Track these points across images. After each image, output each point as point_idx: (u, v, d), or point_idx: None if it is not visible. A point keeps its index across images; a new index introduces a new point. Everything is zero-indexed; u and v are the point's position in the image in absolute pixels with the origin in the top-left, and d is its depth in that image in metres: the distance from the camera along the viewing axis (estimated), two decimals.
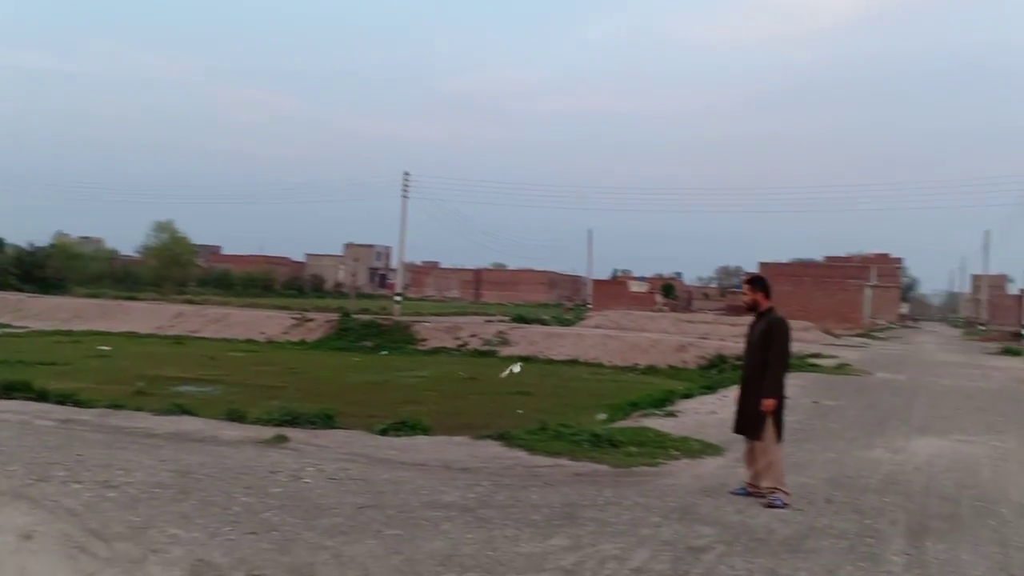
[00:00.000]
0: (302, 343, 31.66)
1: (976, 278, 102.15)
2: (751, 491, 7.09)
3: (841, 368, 23.17)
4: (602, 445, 8.83)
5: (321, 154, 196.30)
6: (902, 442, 10.83)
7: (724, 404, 13.98)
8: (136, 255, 75.57)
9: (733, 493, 7.14)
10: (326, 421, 9.53)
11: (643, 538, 5.58)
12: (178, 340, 31.25)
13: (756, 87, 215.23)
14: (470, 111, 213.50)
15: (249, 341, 31.71)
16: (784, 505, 6.74)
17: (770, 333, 7.10)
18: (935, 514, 6.99)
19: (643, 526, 5.90)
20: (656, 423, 11.14)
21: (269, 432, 8.80)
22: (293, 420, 9.37)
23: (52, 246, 67.69)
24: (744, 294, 7.50)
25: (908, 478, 8.49)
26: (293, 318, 35.19)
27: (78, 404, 10.50)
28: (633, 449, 8.91)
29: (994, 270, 79.62)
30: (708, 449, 9.41)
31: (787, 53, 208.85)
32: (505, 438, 9.09)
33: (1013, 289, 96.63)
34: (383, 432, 9.31)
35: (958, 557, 5.68)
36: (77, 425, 9.07)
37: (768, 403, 6.98)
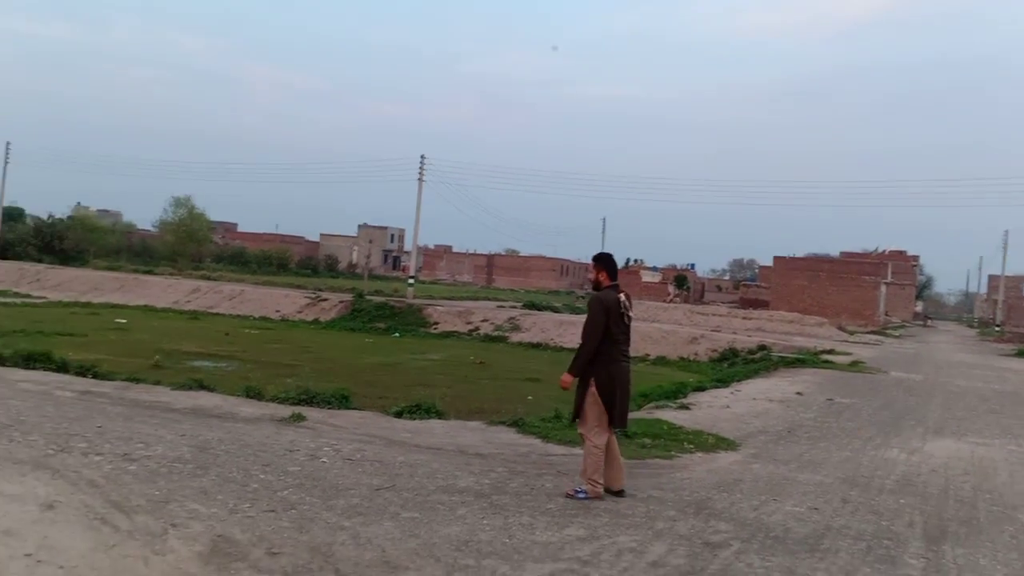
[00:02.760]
0: (316, 322, 31.77)
1: (992, 278, 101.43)
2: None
3: (855, 365, 23.04)
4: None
5: (340, 135, 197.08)
6: (918, 443, 10.77)
7: (738, 399, 13.96)
8: (153, 230, 75.96)
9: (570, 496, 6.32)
10: (342, 401, 9.58)
11: (659, 532, 5.57)
12: (194, 315, 31.43)
13: (778, 78, 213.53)
14: (489, 96, 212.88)
15: (263, 318, 31.87)
16: (587, 497, 6.21)
17: (588, 309, 6.60)
18: (952, 517, 6.94)
19: (659, 519, 5.89)
20: (670, 415, 11.11)
21: (286, 410, 8.85)
22: (310, 399, 9.42)
23: (71, 218, 68.18)
24: (590, 272, 7.15)
25: (925, 480, 8.44)
26: (307, 297, 35.32)
27: (97, 376, 10.57)
28: (647, 441, 8.90)
29: (1011, 271, 78.77)
30: (722, 444, 9.38)
31: (811, 45, 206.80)
32: (519, 425, 9.10)
33: None
34: (398, 414, 9.34)
35: (976, 562, 5.65)
36: (97, 397, 9.15)
37: (564, 378, 6.47)
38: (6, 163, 54.96)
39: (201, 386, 10.11)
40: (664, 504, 6.36)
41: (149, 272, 46.60)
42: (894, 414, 13.55)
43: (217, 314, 32.41)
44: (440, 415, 9.56)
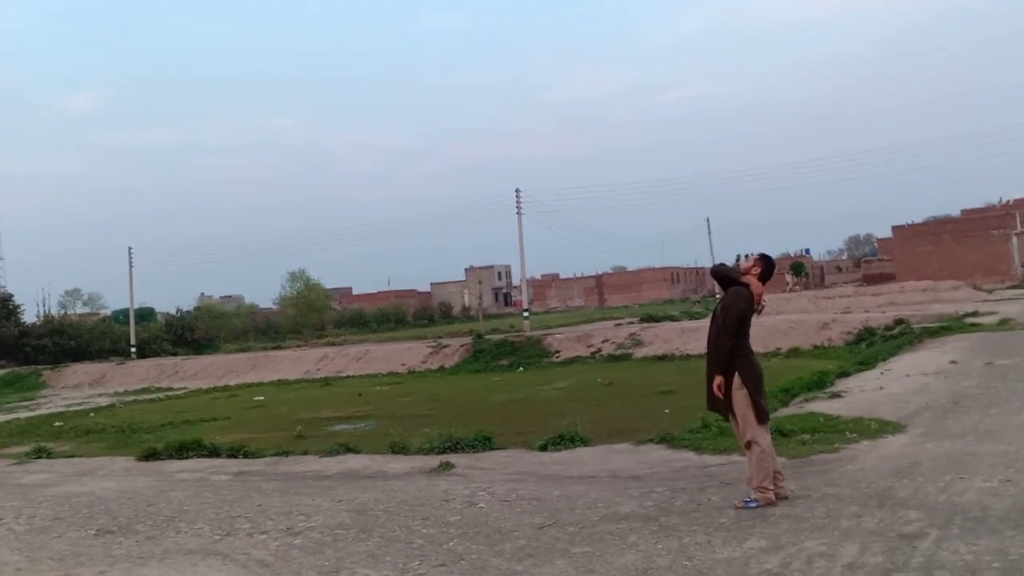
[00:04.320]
0: (441, 369, 32.16)
1: None
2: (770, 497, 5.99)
3: (1005, 323, 21.61)
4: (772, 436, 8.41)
5: (434, 185, 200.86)
6: None
7: (890, 378, 13.21)
8: (275, 306, 79.29)
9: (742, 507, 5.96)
10: (485, 443, 9.54)
11: (846, 531, 5.21)
12: (326, 381, 32.33)
13: (860, 48, 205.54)
14: (572, 119, 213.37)
15: (391, 374, 32.49)
16: (759, 506, 5.87)
17: (725, 302, 6.25)
18: None
19: (842, 517, 5.52)
20: (823, 407, 10.57)
21: (434, 460, 8.87)
22: (454, 446, 9.42)
23: (197, 309, 71.89)
24: (750, 263, 6.48)
25: None
26: (429, 346, 35.83)
27: (247, 456, 10.89)
28: (806, 437, 8.45)
29: None
30: (887, 427, 8.82)
31: (877, 15, 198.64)
32: (668, 440, 8.82)
33: None
34: (543, 448, 9.21)
35: None
36: (251, 475, 9.42)
37: (718, 381, 6.11)
38: (131, 267, 58.42)
39: (347, 449, 10.28)
40: (843, 500, 5.97)
41: (277, 347, 48.42)
42: None
43: (347, 376, 33.26)
44: (585, 442, 9.37)
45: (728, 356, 6.08)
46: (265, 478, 9.23)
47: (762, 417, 6.10)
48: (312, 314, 67.30)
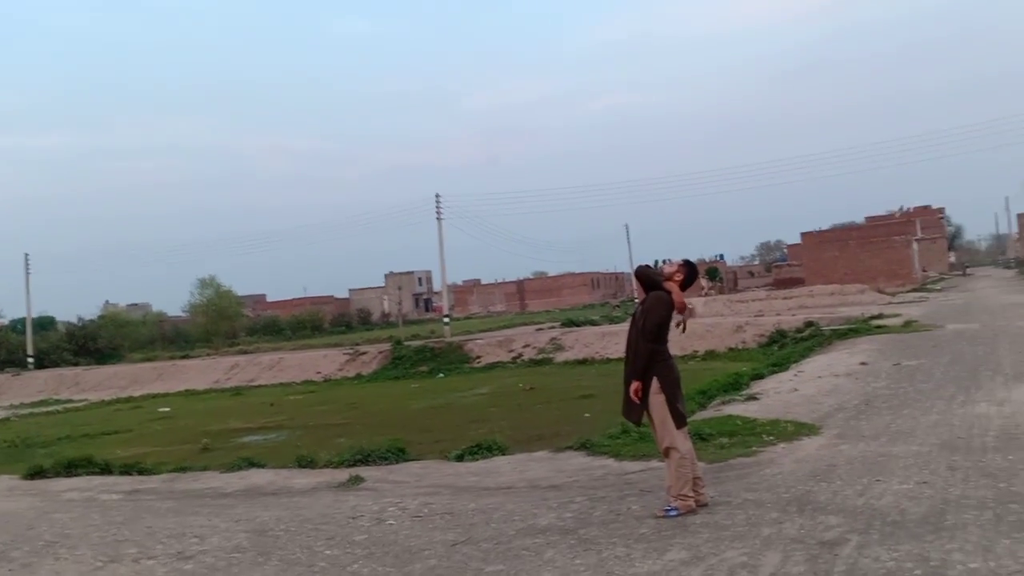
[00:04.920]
0: (359, 377, 31.45)
1: (1021, 217, 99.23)
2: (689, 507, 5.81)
3: (909, 325, 22.28)
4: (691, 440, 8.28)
5: (352, 190, 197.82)
6: (1003, 393, 10.14)
7: (803, 380, 13.35)
8: (184, 314, 76.51)
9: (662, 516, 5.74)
10: (399, 454, 9.13)
11: (767, 539, 5.05)
12: (236, 391, 31.24)
13: (772, 63, 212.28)
14: (493, 127, 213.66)
15: (307, 382, 31.63)
16: (679, 514, 5.67)
17: (646, 306, 6.03)
18: None
19: (763, 524, 5.37)
20: (739, 409, 10.55)
21: (343, 474, 8.41)
22: (365, 458, 8.98)
23: (101, 317, 68.75)
24: (673, 268, 6.23)
25: None
26: (346, 353, 35.03)
27: (143, 472, 10.20)
28: (725, 440, 8.36)
29: None
30: (803, 429, 8.81)
31: (791, 28, 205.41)
32: (587, 447, 8.60)
33: None
34: (459, 458, 8.88)
35: None
36: (144, 495, 8.78)
37: (635, 387, 5.87)
38: (28, 274, 55.60)
39: (251, 464, 9.72)
40: (763, 506, 5.83)
41: (185, 356, 46.70)
42: (967, 367, 12.89)
43: (259, 386, 32.21)
44: (503, 451, 9.07)
45: (647, 361, 5.89)
46: (160, 497, 8.62)
47: (680, 422, 5.92)
48: (223, 322, 65.14)
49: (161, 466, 11.26)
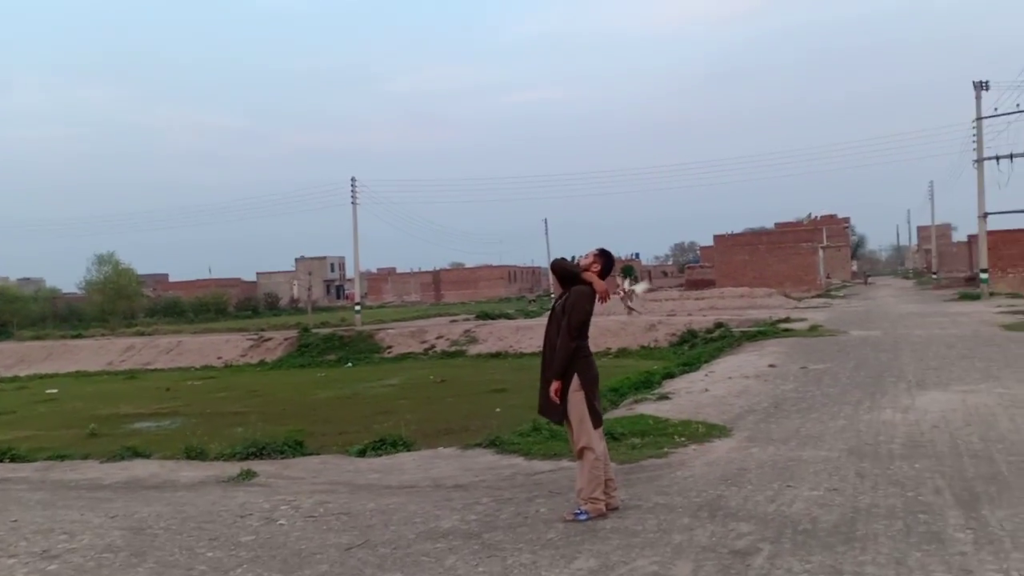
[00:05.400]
0: (262, 364, 30.51)
1: (922, 229, 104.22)
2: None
3: (815, 330, 22.82)
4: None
5: (268, 169, 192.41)
6: (907, 399, 10.30)
7: (714, 380, 13.39)
8: (80, 292, 72.92)
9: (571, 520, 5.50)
10: (296, 448, 8.61)
11: (679, 547, 4.84)
12: (131, 374, 29.93)
13: (688, 70, 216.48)
14: (415, 113, 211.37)
15: (206, 367, 30.48)
16: (589, 518, 5.45)
17: (568, 301, 5.67)
18: (975, 476, 6.39)
19: (674, 531, 5.16)
20: (651, 409, 10.43)
21: (234, 468, 7.85)
22: (260, 451, 8.44)
23: None
24: (586, 261, 5.88)
25: (930, 438, 7.91)
26: (250, 339, 33.93)
27: (15, 459, 9.41)
28: (636, 441, 8.18)
29: (938, 220, 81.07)
30: (714, 431, 8.72)
31: (714, 34, 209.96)
32: (497, 444, 8.28)
33: (957, 237, 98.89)
34: (361, 453, 8.44)
35: None
36: (13, 484, 8.05)
37: (555, 386, 5.57)
38: None
39: (135, 454, 9.03)
40: (674, 511, 5.64)
41: (78, 336, 44.45)
42: (871, 373, 13.14)
43: (156, 370, 30.91)
44: (408, 446, 8.67)
45: (569, 359, 5.60)
46: (31, 487, 7.92)
47: (597, 422, 5.66)
48: (120, 301, 62.35)
49: (38, 452, 10.47)
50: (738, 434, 8.61)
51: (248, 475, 7.41)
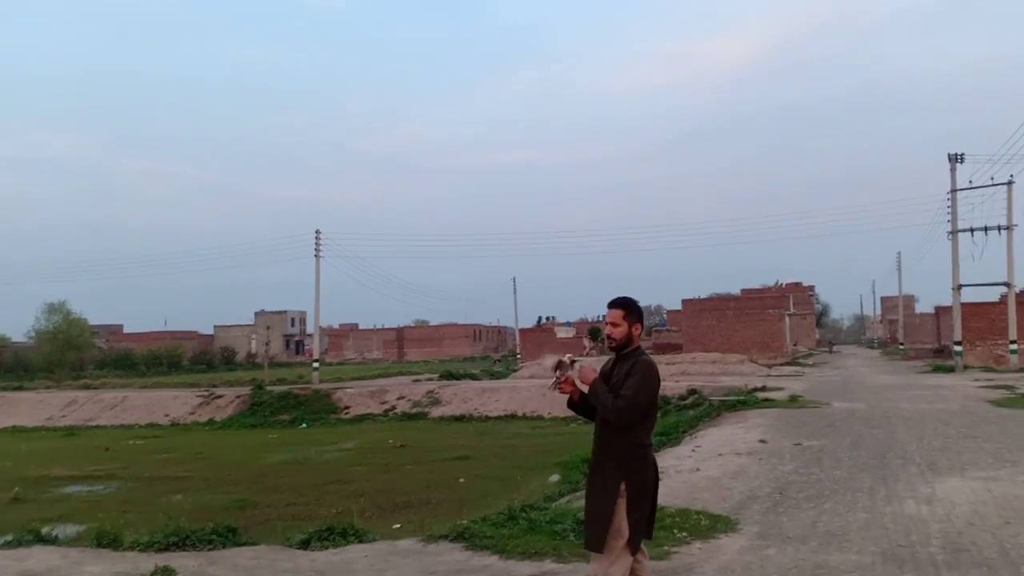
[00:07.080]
0: (211, 423, 28.79)
1: (886, 299, 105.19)
2: None
3: (795, 400, 21.88)
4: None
5: (231, 224, 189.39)
6: (925, 488, 9.24)
7: (703, 457, 12.23)
8: (28, 341, 70.11)
9: None
10: (227, 537, 7.20)
11: None
12: (70, 431, 28.06)
13: (659, 133, 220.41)
14: (383, 171, 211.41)
15: (151, 425, 28.70)
16: None
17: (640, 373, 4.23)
18: None
19: None
20: None
21: (148, 562, 6.42)
22: (183, 540, 7.03)
23: None
24: (610, 324, 4.40)
25: (971, 540, 6.82)
26: (199, 396, 32.18)
27: None
28: None
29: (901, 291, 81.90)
30: (718, 524, 7.55)
31: (689, 98, 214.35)
32: (466, 537, 6.97)
33: (920, 308, 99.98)
34: (304, 544, 7.07)
35: None
36: None
37: (586, 373, 4.30)
38: None
39: (38, 538, 7.59)
40: None
41: (19, 388, 42.16)
42: (873, 453, 12.11)
43: (97, 427, 29.03)
44: (360, 537, 7.30)
45: (606, 400, 4.18)
46: None
47: (634, 545, 4.17)
48: (70, 352, 59.89)
49: None
50: (746, 528, 7.44)
51: (164, 573, 6.02)
